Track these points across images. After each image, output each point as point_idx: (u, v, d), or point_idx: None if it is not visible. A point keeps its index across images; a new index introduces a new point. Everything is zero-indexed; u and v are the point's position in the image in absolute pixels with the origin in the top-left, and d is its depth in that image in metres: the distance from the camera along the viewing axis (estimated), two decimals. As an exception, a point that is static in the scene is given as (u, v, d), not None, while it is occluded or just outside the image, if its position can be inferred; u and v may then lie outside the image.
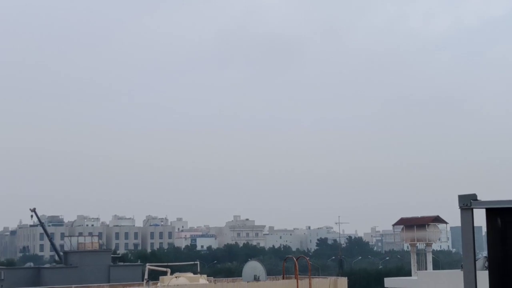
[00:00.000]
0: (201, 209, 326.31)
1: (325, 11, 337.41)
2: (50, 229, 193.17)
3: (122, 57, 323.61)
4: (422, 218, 74.08)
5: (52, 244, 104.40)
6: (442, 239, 78.42)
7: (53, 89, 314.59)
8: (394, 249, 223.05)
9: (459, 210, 5.45)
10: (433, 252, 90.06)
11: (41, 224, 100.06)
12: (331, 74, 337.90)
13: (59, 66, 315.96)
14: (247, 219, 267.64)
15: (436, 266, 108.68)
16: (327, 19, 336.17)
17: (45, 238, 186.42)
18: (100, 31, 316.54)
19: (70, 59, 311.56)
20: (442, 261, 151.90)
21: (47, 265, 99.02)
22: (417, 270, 69.71)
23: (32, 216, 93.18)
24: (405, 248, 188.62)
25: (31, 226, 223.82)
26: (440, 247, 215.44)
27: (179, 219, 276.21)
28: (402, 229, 74.58)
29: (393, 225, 77.22)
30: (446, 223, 75.41)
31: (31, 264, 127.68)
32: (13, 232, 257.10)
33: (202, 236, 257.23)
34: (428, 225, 72.56)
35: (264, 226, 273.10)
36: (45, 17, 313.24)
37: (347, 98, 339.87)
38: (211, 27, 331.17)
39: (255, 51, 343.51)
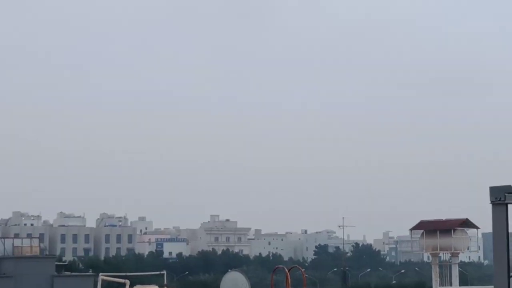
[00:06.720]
0: (170, 206, 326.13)
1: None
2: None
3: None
4: (447, 221, 74.55)
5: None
6: (472, 248, 79.14)
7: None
8: (412, 259, 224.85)
9: (490, 206, 5.45)
10: (460, 264, 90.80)
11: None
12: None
13: None
14: (227, 220, 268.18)
15: (464, 282, 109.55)
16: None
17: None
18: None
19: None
20: (472, 275, 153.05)
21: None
22: (440, 286, 70.26)
23: None
24: (425, 259, 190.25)
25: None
26: (469, 258, 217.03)
27: (142, 219, 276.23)
28: (422, 234, 75.01)
29: (411, 229, 77.68)
30: (477, 228, 75.91)
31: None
32: None
33: (170, 240, 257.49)
34: (455, 230, 72.97)
35: (249, 229, 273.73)
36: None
37: (358, 78, 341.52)
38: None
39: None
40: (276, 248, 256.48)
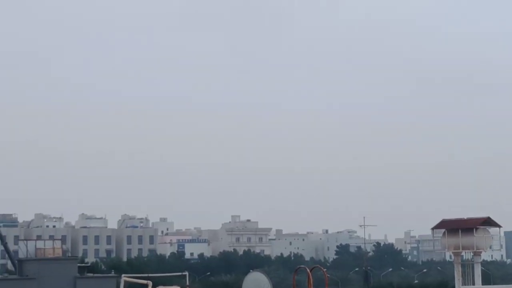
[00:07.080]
0: (191, 207, 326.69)
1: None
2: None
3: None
4: (469, 220, 74.25)
5: (6, 250, 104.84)
6: (494, 247, 78.64)
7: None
8: (434, 259, 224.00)
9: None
10: (483, 263, 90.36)
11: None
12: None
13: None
14: (248, 221, 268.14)
15: (487, 281, 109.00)
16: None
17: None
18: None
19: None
20: (494, 274, 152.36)
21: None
22: (462, 285, 70.00)
23: None
24: (448, 258, 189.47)
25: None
26: (492, 257, 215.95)
27: (163, 220, 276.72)
28: (444, 233, 74.75)
29: (433, 228, 77.36)
30: (499, 226, 75.57)
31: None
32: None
33: (192, 241, 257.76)
34: (477, 229, 72.71)
35: (270, 229, 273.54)
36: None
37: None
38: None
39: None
40: (298, 248, 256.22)
